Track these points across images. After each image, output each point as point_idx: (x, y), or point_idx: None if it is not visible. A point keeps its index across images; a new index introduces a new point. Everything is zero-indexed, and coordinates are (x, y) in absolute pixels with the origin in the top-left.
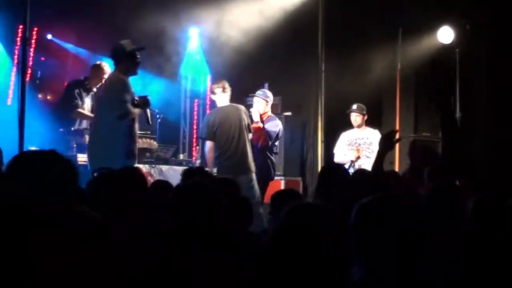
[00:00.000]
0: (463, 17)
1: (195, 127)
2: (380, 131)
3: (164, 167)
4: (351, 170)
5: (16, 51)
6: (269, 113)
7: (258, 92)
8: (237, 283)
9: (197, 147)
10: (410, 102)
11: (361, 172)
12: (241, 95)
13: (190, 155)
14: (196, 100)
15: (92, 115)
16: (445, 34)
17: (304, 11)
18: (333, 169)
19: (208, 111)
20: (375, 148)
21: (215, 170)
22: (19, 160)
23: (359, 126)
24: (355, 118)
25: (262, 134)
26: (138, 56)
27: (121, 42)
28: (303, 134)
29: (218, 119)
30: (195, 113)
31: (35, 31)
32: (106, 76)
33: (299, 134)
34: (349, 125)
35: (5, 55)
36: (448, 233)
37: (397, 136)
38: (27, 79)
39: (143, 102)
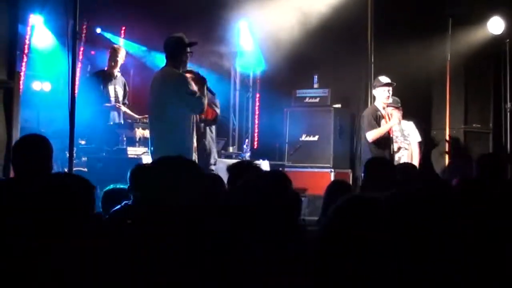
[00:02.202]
0: None
1: (244, 120)
2: (430, 122)
3: None
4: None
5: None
6: None
7: None
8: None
9: (247, 140)
10: (460, 93)
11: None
12: (290, 88)
13: (240, 147)
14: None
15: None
16: (496, 25)
17: (353, 2)
18: (380, 161)
19: (257, 104)
20: (412, 139)
21: None
22: None
23: None
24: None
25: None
26: (190, 51)
27: (173, 35)
28: (352, 126)
29: None
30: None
31: (85, 25)
32: (120, 58)
33: (348, 126)
34: None
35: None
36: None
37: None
38: (77, 73)
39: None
